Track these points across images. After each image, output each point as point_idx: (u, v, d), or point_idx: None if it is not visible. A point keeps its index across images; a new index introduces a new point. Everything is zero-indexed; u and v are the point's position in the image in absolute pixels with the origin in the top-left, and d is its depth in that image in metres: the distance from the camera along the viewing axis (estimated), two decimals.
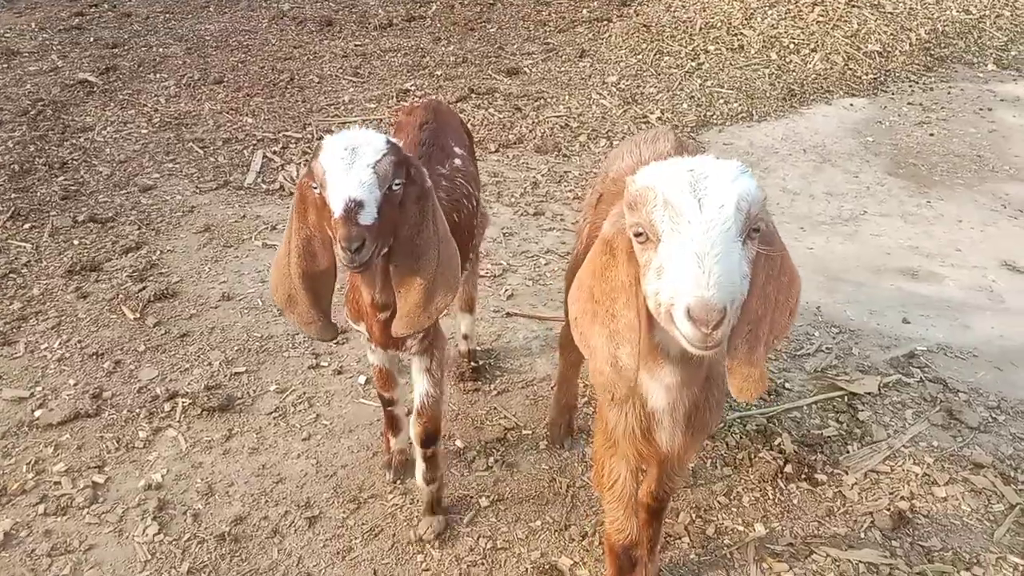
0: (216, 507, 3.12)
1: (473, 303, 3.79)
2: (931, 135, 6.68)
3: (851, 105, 7.17)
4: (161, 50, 7.72)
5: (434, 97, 3.23)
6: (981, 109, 7.22)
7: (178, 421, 3.51)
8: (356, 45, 8.06)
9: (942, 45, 8.41)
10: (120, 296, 4.28)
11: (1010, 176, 6.11)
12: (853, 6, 8.56)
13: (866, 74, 7.65)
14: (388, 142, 2.25)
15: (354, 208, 2.09)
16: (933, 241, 5.21)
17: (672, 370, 2.08)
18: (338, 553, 2.94)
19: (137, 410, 3.56)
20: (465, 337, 3.84)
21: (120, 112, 6.41)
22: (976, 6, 9.25)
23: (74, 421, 3.49)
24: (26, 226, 4.87)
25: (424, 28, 8.64)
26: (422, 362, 2.81)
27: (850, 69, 7.65)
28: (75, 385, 3.69)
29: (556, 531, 3.07)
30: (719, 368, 2.17)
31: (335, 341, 3.84)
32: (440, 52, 7.93)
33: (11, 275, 4.42)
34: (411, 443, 3.01)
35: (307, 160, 2.10)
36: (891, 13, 8.64)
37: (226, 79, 7.10)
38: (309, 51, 7.88)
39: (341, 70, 7.43)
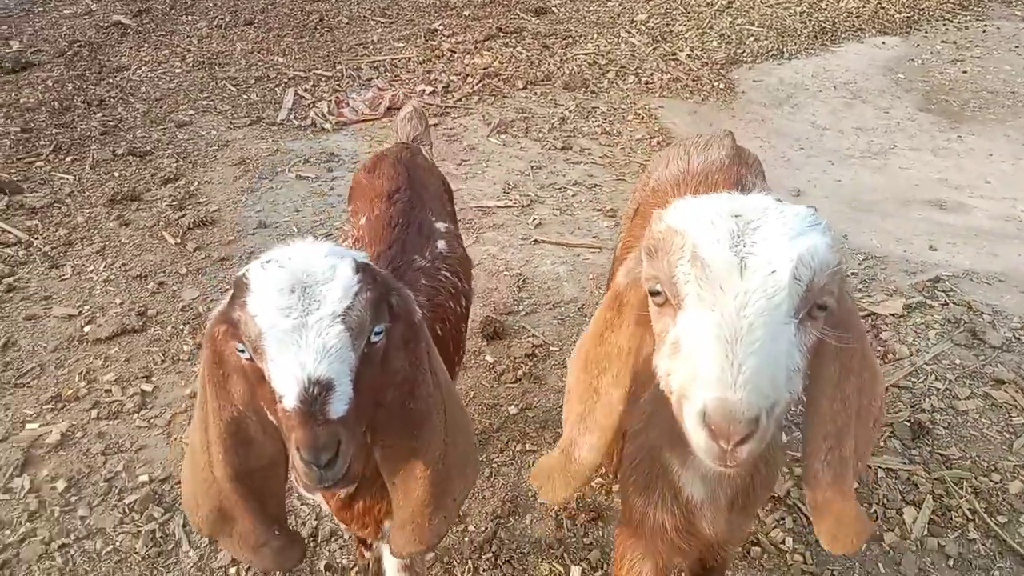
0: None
1: None
2: (964, 72, 6.60)
3: (883, 43, 7.09)
4: None
5: (405, 144, 2.51)
6: (1018, 47, 7.11)
7: None
8: None
9: None
10: (161, 223, 4.42)
11: None
12: None
13: (899, 12, 7.54)
14: (358, 266, 1.47)
15: (318, 395, 1.33)
16: (963, 174, 5.20)
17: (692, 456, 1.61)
18: None
19: (181, 326, 3.71)
20: None
21: (154, 52, 6.51)
22: None
23: (121, 336, 3.65)
24: (68, 159, 5.02)
25: None
26: (398, 560, 2.08)
27: (883, 8, 7.56)
28: (121, 304, 3.84)
29: None
30: (777, 439, 1.83)
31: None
32: None
33: (56, 204, 4.57)
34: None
35: (234, 293, 1.46)
36: None
37: (256, 20, 7.17)
38: None
39: (369, 11, 7.46)
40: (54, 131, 5.29)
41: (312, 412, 1.31)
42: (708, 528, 1.78)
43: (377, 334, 1.46)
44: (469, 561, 2.70)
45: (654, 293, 1.35)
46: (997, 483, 3.02)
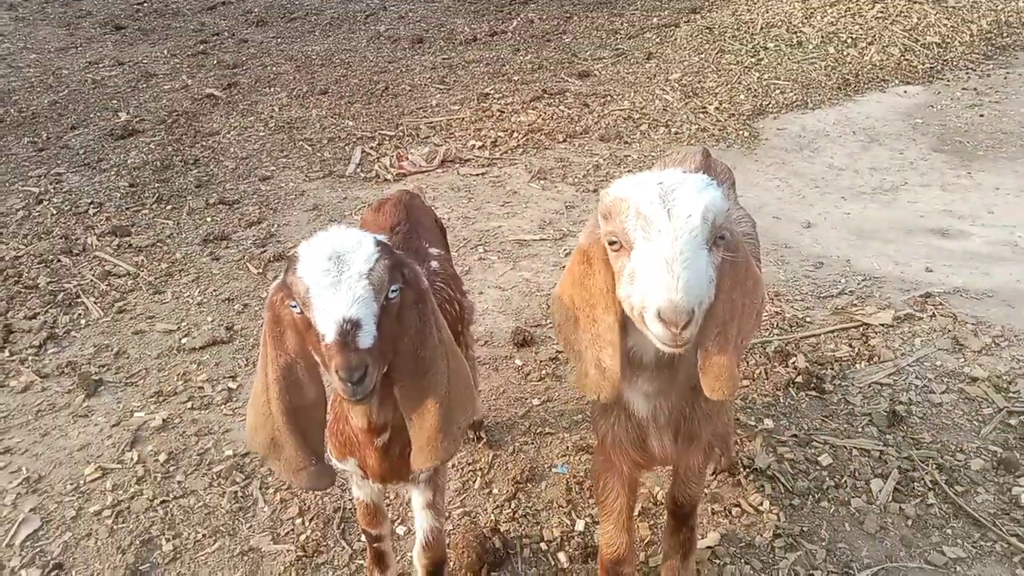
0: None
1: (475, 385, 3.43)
2: (981, 115, 7.01)
3: (905, 92, 7.56)
4: (274, 68, 8.79)
5: (406, 190, 3.03)
6: None
7: None
8: (443, 58, 8.94)
9: (1004, 35, 8.67)
10: (246, 257, 5.18)
11: None
12: (914, 2, 8.92)
13: (922, 64, 8.01)
14: (377, 242, 1.91)
15: (350, 330, 1.77)
16: (967, 205, 5.61)
17: (648, 377, 2.13)
18: None
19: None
20: None
21: (241, 119, 7.43)
22: None
23: (212, 346, 4.36)
24: (168, 208, 5.87)
25: (505, 41, 9.46)
26: (424, 496, 2.48)
27: (906, 60, 8.03)
28: (212, 321, 4.56)
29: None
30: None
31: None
32: (518, 61, 8.72)
33: (158, 244, 5.38)
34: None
35: (287, 265, 1.91)
36: (953, 7, 8.95)
37: (330, 90, 8.07)
38: (402, 65, 8.80)
39: (429, 79, 8.30)
40: (156, 185, 6.17)
41: (346, 343, 1.75)
42: (655, 444, 2.29)
43: (393, 291, 1.90)
44: (492, 514, 3.24)
45: (612, 243, 1.87)
46: (961, 461, 3.42)
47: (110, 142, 6.98)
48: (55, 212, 5.80)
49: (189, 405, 3.94)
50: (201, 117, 7.52)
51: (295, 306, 1.87)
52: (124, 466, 3.57)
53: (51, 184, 6.25)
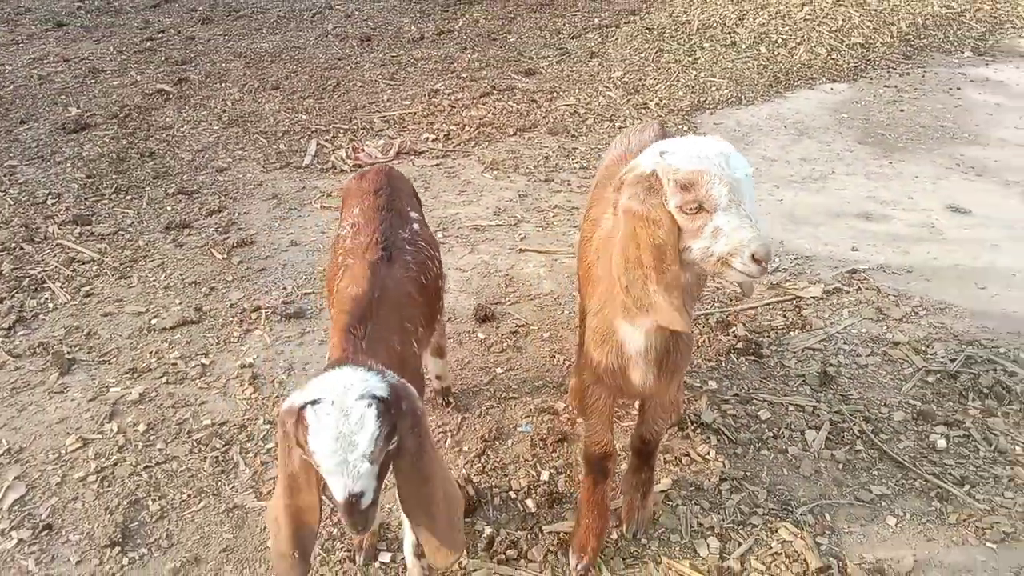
0: (296, 377, 4.09)
1: (443, 350, 3.78)
2: (901, 111, 7.52)
3: (831, 89, 8.04)
4: (223, 65, 8.86)
5: (385, 164, 3.14)
6: (951, 89, 8.04)
7: (262, 325, 4.51)
8: (392, 56, 9.14)
9: (921, 37, 9.25)
10: (209, 244, 5.32)
11: (968, 142, 6.92)
12: (840, 5, 9.46)
13: (847, 63, 8.51)
14: (378, 403, 2.01)
15: (356, 499, 1.99)
16: (889, 192, 6.06)
17: (649, 319, 2.44)
18: None
19: (230, 319, 4.56)
20: (438, 377, 3.83)
21: (194, 113, 7.52)
22: (958, 1, 10.08)
23: (182, 326, 4.50)
24: (128, 198, 5.96)
25: (452, 40, 9.70)
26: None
27: (832, 59, 8.52)
28: (180, 303, 4.70)
29: (554, 388, 3.99)
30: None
31: None
32: (466, 59, 8.97)
33: (120, 232, 5.48)
34: (379, 529, 3.14)
35: (294, 400, 2.07)
36: (875, 10, 9.52)
37: (282, 86, 8.19)
38: (351, 62, 8.97)
39: (380, 76, 8.49)
40: (114, 177, 6.25)
41: (352, 508, 1.99)
42: (638, 378, 2.63)
43: (394, 442, 2.08)
44: (463, 470, 3.49)
45: (691, 209, 2.17)
46: (884, 414, 3.79)
47: (62, 136, 7.01)
48: (12, 203, 5.84)
49: (164, 380, 4.09)
50: (153, 112, 7.58)
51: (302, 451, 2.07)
52: (104, 436, 3.71)
53: (5, 176, 6.26)
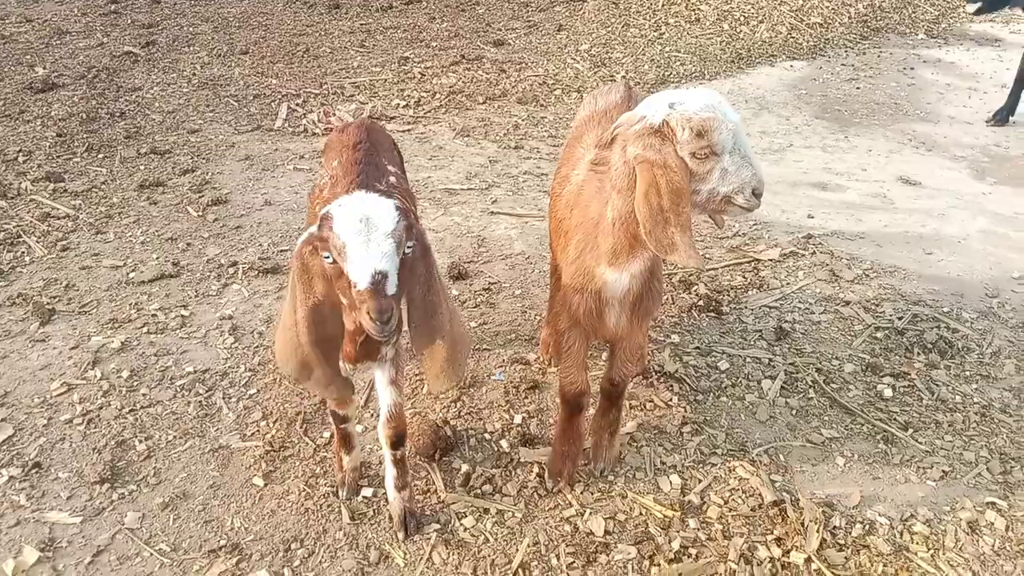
0: (274, 330, 4.21)
1: None
2: (857, 88, 7.80)
3: (791, 66, 8.29)
4: (191, 29, 8.84)
5: (366, 117, 3.19)
6: (905, 68, 8.34)
7: (240, 279, 4.61)
8: (361, 24, 9.19)
9: (878, 18, 9.54)
10: (184, 202, 5.39)
11: (920, 118, 7.22)
12: None
13: (807, 41, 8.77)
14: (397, 207, 2.29)
15: (381, 280, 2.16)
16: (844, 164, 6.32)
17: (641, 260, 2.67)
18: None
19: (208, 273, 4.66)
20: None
21: (163, 76, 7.52)
22: None
23: (161, 280, 4.58)
24: (100, 156, 5.98)
25: (420, 10, 9.76)
26: (388, 374, 2.89)
27: (792, 37, 8.78)
28: (158, 258, 4.78)
29: (525, 341, 4.17)
30: (659, 263, 2.82)
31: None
32: (435, 28, 9.05)
33: (94, 189, 5.52)
34: (360, 466, 3.24)
35: (320, 223, 2.29)
36: None
37: (251, 51, 8.21)
38: (320, 29, 9.00)
39: (349, 43, 8.54)
40: (85, 136, 6.26)
41: (378, 290, 2.17)
42: (612, 318, 2.85)
43: (409, 247, 2.32)
44: (441, 413, 3.66)
45: (704, 153, 2.38)
46: (836, 366, 4.04)
47: (30, 95, 6.97)
48: None
49: (145, 330, 4.18)
50: (122, 73, 7.56)
51: (328, 257, 2.27)
52: (89, 382, 3.81)
53: None
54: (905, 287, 4.68)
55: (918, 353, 4.13)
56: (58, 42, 8.31)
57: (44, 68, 7.56)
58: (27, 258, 4.76)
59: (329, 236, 2.23)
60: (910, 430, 3.62)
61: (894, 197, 5.81)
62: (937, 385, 3.90)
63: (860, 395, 3.84)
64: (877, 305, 4.51)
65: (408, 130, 6.59)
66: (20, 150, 5.98)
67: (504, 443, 3.50)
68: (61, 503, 3.19)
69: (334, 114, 6.66)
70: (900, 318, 4.37)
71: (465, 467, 3.34)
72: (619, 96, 3.32)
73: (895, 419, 3.69)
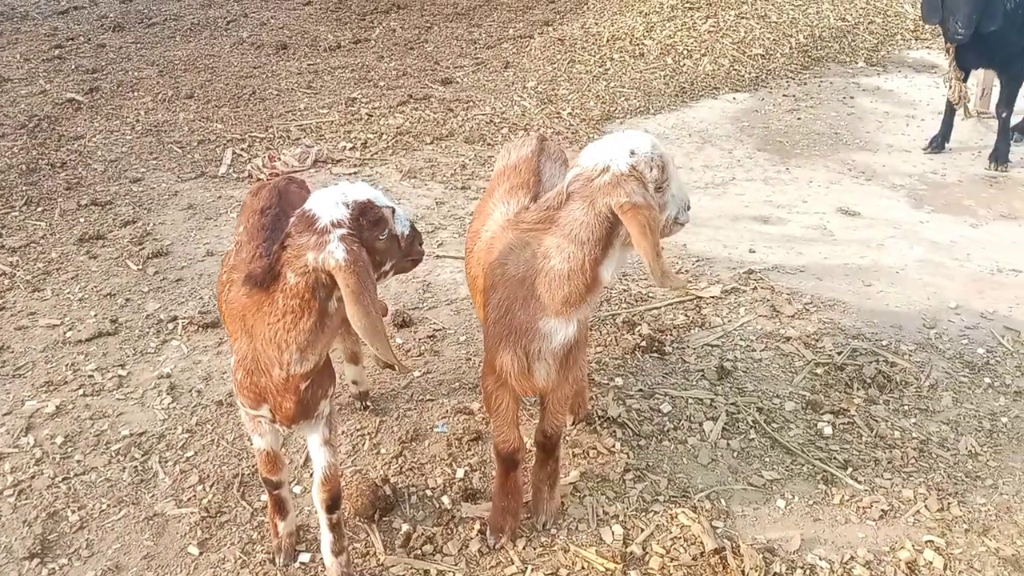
0: (213, 386, 4.16)
1: (358, 356, 3.93)
2: (799, 119, 7.95)
3: (734, 99, 8.44)
4: (136, 73, 8.77)
5: (291, 177, 3.21)
6: (845, 98, 8.53)
7: (180, 335, 4.55)
8: (309, 64, 9.19)
9: (819, 48, 9.75)
10: (124, 255, 5.32)
11: (859, 147, 7.38)
12: (742, 18, 9.91)
13: (749, 73, 8.93)
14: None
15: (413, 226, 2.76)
16: (785, 196, 6.43)
17: (588, 306, 2.79)
18: None
19: (147, 329, 4.59)
20: (354, 382, 3.99)
21: (106, 123, 7.45)
22: (852, 15, 10.64)
23: (98, 338, 4.51)
24: (39, 209, 5.89)
25: (369, 49, 9.79)
26: (322, 434, 2.89)
27: (735, 70, 8.93)
28: (95, 315, 4.70)
29: (469, 389, 4.16)
30: (583, 317, 2.92)
31: None
32: (383, 68, 9.09)
33: (32, 245, 5.43)
34: (296, 531, 3.21)
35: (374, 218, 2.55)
36: (775, 22, 10.00)
37: (196, 95, 8.16)
38: (267, 70, 8.99)
39: (296, 84, 8.54)
40: (24, 188, 6.16)
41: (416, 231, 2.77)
42: (540, 373, 2.88)
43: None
44: (381, 470, 3.62)
45: (662, 186, 2.68)
46: (777, 404, 4.08)
47: None
48: None
49: (81, 392, 4.11)
50: (64, 121, 7.47)
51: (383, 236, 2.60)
52: (21, 449, 3.72)
53: None
54: (845, 321, 4.75)
55: (857, 388, 4.18)
56: None
57: None
58: None
59: (385, 217, 2.64)
60: (850, 468, 3.66)
61: (834, 228, 5.92)
62: (876, 421, 3.96)
63: (801, 434, 3.88)
64: (817, 340, 4.58)
65: (355, 172, 6.58)
66: None
67: (446, 499, 3.47)
68: None
69: (279, 158, 6.64)
70: (839, 353, 4.43)
71: (405, 527, 3.31)
72: (530, 150, 3.36)
73: (835, 458, 3.73)
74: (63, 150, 6.87)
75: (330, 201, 2.51)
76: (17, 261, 5.22)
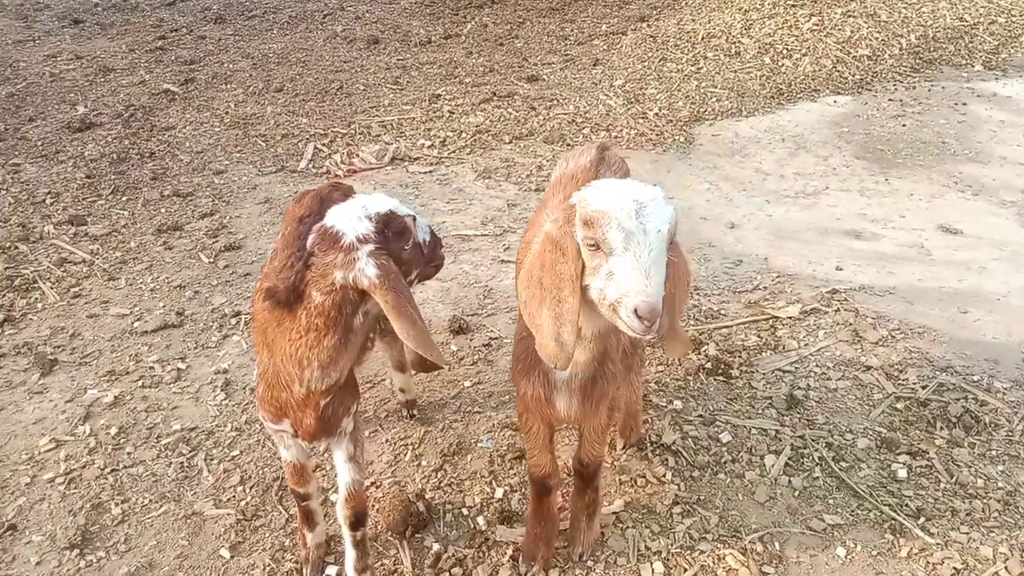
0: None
1: (405, 365, 3.83)
2: (903, 125, 7.45)
3: (834, 102, 7.98)
4: (231, 66, 8.97)
5: (335, 184, 3.12)
6: (956, 104, 7.94)
7: (241, 331, 4.58)
8: (398, 59, 9.20)
9: (931, 49, 9.13)
10: (198, 247, 5.41)
11: (968, 159, 6.85)
12: (849, 16, 9.37)
13: (853, 75, 8.44)
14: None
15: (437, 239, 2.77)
16: (882, 209, 6.02)
17: (584, 348, 2.50)
18: None
19: (211, 323, 4.64)
20: (402, 390, 3.92)
21: (197, 114, 7.63)
22: (971, 14, 9.93)
23: (163, 330, 4.59)
24: (124, 199, 6.07)
25: (459, 44, 9.74)
26: (347, 451, 2.83)
27: (837, 71, 8.45)
28: (164, 307, 4.79)
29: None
30: (613, 345, 2.64)
31: None
32: (471, 64, 9.01)
33: (113, 233, 5.59)
34: (326, 540, 3.16)
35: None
36: (885, 21, 9.41)
37: (286, 88, 8.28)
38: (357, 65, 9.04)
39: (383, 80, 8.56)
40: (113, 177, 6.36)
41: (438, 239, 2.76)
42: (563, 405, 2.70)
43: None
44: (420, 483, 3.53)
45: (591, 245, 2.23)
46: (849, 440, 3.79)
47: (67, 134, 7.14)
48: (12, 201, 5.97)
49: (140, 383, 4.18)
50: (157, 112, 7.70)
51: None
52: (77, 438, 3.81)
53: (9, 174, 6.40)
54: (934, 351, 4.38)
55: (940, 428, 3.84)
56: (102, 79, 8.52)
57: (85, 107, 7.75)
58: (39, 304, 4.82)
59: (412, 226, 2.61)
60: (922, 518, 3.35)
61: (932, 247, 5.50)
62: (958, 466, 3.62)
63: (871, 475, 3.58)
64: (901, 371, 4.23)
65: (430, 171, 6.53)
66: (49, 192, 6.10)
67: (481, 519, 3.35)
68: (29, 569, 3.17)
69: (357, 155, 6.64)
70: (924, 387, 4.08)
71: (436, 546, 3.21)
72: (588, 159, 3.17)
73: (907, 505, 3.42)
74: (153, 140, 7.06)
75: (352, 216, 2.44)
76: (98, 249, 5.38)
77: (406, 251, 2.56)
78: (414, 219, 2.60)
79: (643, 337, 2.18)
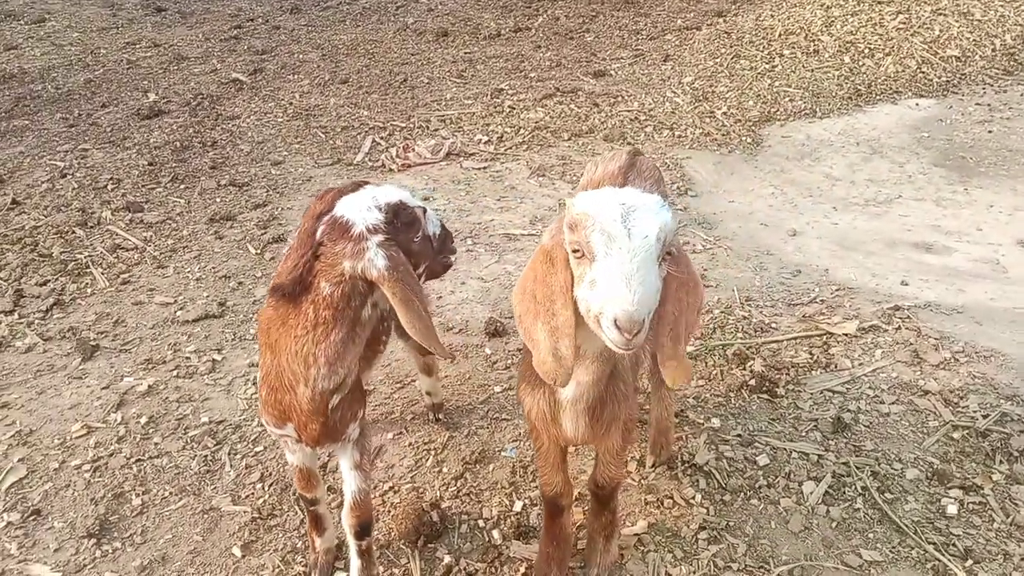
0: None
1: (431, 368, 3.77)
2: (990, 132, 7.01)
3: (916, 105, 7.56)
4: (301, 56, 9.06)
5: (360, 181, 3.03)
6: None
7: None
8: (465, 52, 9.14)
9: None
10: (246, 238, 5.44)
11: None
12: (939, 14, 8.87)
13: (939, 77, 7.98)
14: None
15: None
16: (958, 221, 5.65)
17: (587, 368, 2.36)
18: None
19: (251, 315, 4.65)
20: (428, 394, 3.83)
21: (262, 104, 7.72)
22: None
23: (204, 320, 4.62)
24: (181, 187, 6.16)
25: (528, 38, 9.61)
26: (352, 458, 2.76)
27: (922, 72, 8.01)
28: (207, 296, 4.83)
29: None
30: (624, 364, 2.51)
31: None
32: (538, 58, 8.88)
33: (167, 221, 5.67)
34: (336, 545, 3.09)
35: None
36: (979, 20, 8.88)
37: (351, 80, 8.31)
38: (424, 57, 9.02)
39: (448, 73, 8.50)
40: (174, 165, 6.47)
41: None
42: (569, 425, 2.55)
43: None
44: (438, 490, 3.45)
45: (575, 251, 2.09)
46: (897, 470, 3.53)
47: (136, 121, 7.31)
48: (76, 186, 6.13)
49: (175, 373, 4.21)
50: (224, 101, 7.82)
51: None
52: (108, 426, 3.85)
53: (76, 159, 6.58)
54: (1000, 377, 4.07)
55: (999, 461, 3.55)
56: (175, 68, 8.71)
57: (156, 94, 7.93)
58: (89, 290, 4.92)
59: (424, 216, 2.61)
60: (970, 560, 3.09)
61: (1009, 264, 5.13)
62: (1015, 504, 3.33)
63: (918, 509, 3.33)
64: (961, 398, 3.94)
65: (484, 168, 6.43)
66: (111, 178, 6.24)
67: (497, 533, 3.24)
68: (48, 555, 3.20)
69: (412, 149, 6.60)
70: (985, 416, 3.78)
71: (448, 558, 3.11)
72: (617, 165, 3.02)
73: (954, 544, 3.16)
74: (217, 129, 7.17)
75: (362, 206, 2.40)
76: (151, 236, 5.47)
77: (415, 243, 2.54)
78: (424, 211, 2.55)
79: (623, 352, 2.02)
